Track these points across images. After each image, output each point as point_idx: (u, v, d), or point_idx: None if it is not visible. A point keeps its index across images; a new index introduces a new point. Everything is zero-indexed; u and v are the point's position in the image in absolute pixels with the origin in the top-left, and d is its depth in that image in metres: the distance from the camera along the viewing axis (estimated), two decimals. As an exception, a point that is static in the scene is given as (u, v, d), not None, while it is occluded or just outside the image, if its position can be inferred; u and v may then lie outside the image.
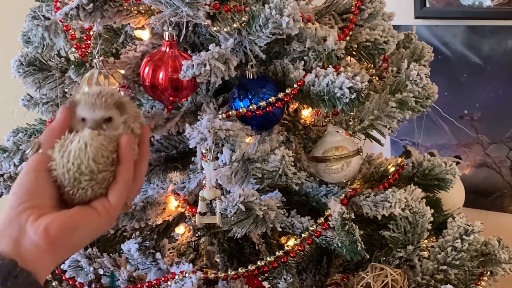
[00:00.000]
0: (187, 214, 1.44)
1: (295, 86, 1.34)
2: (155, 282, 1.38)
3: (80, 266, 1.48)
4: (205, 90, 1.46)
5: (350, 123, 1.46)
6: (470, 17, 2.37)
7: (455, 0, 2.36)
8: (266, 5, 1.28)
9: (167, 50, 1.35)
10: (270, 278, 1.46)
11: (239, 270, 1.40)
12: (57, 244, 0.82)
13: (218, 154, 1.33)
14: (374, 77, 1.53)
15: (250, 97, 1.36)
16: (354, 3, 1.49)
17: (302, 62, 1.36)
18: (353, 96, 1.26)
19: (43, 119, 1.67)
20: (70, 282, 1.47)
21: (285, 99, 1.35)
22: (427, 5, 2.43)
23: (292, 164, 1.31)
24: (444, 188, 1.57)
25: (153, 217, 1.44)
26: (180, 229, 1.56)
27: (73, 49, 1.45)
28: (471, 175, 2.48)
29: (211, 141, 1.27)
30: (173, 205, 1.46)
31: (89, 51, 1.42)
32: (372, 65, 1.54)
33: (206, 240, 1.59)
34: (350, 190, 1.43)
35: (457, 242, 1.40)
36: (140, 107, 1.54)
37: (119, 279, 1.47)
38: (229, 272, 1.40)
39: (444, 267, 1.41)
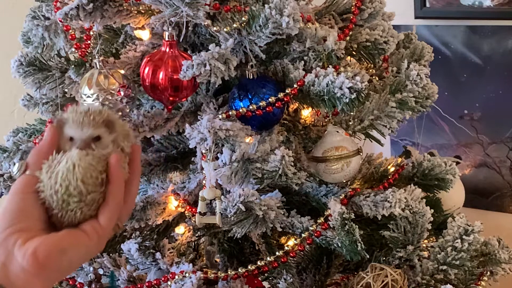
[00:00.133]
0: (187, 214, 1.44)
1: (295, 86, 1.34)
2: (155, 282, 1.38)
3: (80, 266, 1.47)
4: (205, 90, 1.46)
5: (350, 123, 1.46)
6: (470, 17, 2.37)
7: (455, 0, 2.36)
8: (266, 5, 1.28)
9: (167, 50, 1.35)
10: (270, 278, 1.46)
11: (239, 270, 1.40)
12: (45, 268, 0.79)
13: (218, 154, 1.33)
14: (374, 77, 1.53)
15: (250, 97, 1.36)
16: (354, 3, 1.49)
17: (302, 62, 1.36)
18: (353, 96, 1.26)
19: (43, 119, 1.67)
20: (70, 282, 1.47)
21: (285, 99, 1.35)
22: (427, 5, 2.43)
23: (292, 164, 1.31)
24: (444, 188, 1.57)
25: (153, 217, 1.44)
26: (180, 229, 1.56)
27: (73, 49, 1.45)
28: (471, 175, 2.48)
29: (211, 141, 1.27)
30: (173, 205, 1.46)
31: (89, 51, 1.42)
32: (372, 65, 1.54)
33: (206, 240, 1.59)
34: (350, 190, 1.43)
35: (457, 242, 1.40)
36: (140, 107, 1.54)
37: (119, 279, 1.47)
38: (229, 272, 1.40)
39: (444, 267, 1.41)
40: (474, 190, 2.46)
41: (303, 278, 1.51)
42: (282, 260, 1.41)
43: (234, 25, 1.31)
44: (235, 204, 1.31)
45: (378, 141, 1.59)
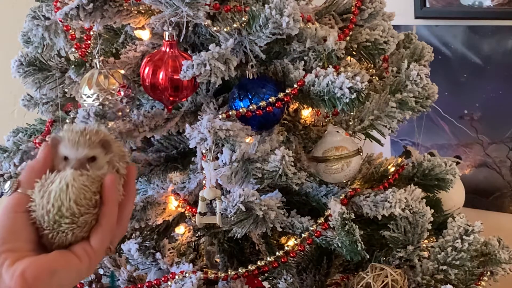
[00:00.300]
0: (187, 214, 1.44)
1: (295, 86, 1.34)
2: (155, 282, 1.38)
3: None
4: (205, 90, 1.46)
5: (350, 123, 1.46)
6: (470, 17, 2.37)
7: (455, 0, 2.36)
8: (266, 5, 1.28)
9: (167, 50, 1.35)
10: (270, 278, 1.46)
11: (239, 270, 1.40)
12: None
13: (218, 154, 1.33)
14: (374, 77, 1.53)
15: (250, 97, 1.36)
16: (354, 3, 1.49)
17: (302, 62, 1.36)
18: (353, 96, 1.26)
19: (43, 119, 1.67)
20: (70, 282, 1.46)
21: (285, 99, 1.35)
22: (427, 5, 2.43)
23: (292, 164, 1.31)
24: (444, 188, 1.56)
25: (153, 217, 1.44)
26: (180, 229, 1.56)
27: (73, 49, 1.45)
28: (471, 175, 2.48)
29: (211, 141, 1.27)
30: (173, 205, 1.46)
31: (89, 51, 1.42)
32: (372, 65, 1.54)
33: (206, 240, 1.59)
34: (350, 190, 1.43)
35: (457, 242, 1.40)
36: (140, 107, 1.54)
37: (119, 279, 1.47)
38: (229, 272, 1.40)
39: (444, 267, 1.41)
40: (474, 190, 2.46)
41: (303, 278, 1.51)
42: (282, 260, 1.41)
43: (234, 25, 1.31)
44: (235, 204, 1.31)
45: (378, 141, 1.59)
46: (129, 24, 1.39)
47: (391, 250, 1.44)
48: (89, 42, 1.42)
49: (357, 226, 1.34)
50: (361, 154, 1.44)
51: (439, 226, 1.52)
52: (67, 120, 1.55)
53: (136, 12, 1.35)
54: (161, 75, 1.34)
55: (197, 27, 1.40)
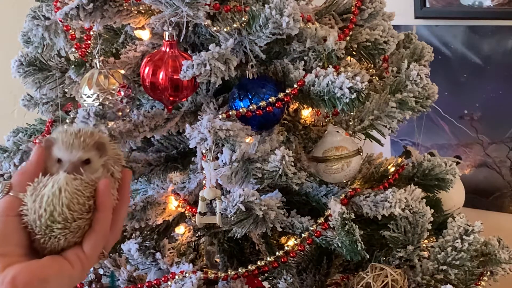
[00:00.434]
0: (187, 214, 1.44)
1: (295, 86, 1.34)
2: (155, 282, 1.38)
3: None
4: (205, 90, 1.46)
5: (350, 123, 1.46)
6: (470, 17, 2.37)
7: (455, 0, 2.36)
8: (266, 5, 1.28)
9: (167, 50, 1.35)
10: (270, 278, 1.46)
11: (239, 270, 1.40)
12: None
13: (218, 154, 1.33)
14: (374, 77, 1.53)
15: (250, 97, 1.36)
16: (354, 3, 1.49)
17: (302, 62, 1.36)
18: (353, 96, 1.26)
19: (43, 119, 1.67)
20: (70, 282, 1.46)
21: (285, 99, 1.35)
22: (427, 5, 2.43)
23: (292, 164, 1.31)
24: (444, 188, 1.56)
25: (153, 217, 1.44)
26: (180, 229, 1.56)
27: (73, 49, 1.45)
28: (471, 175, 2.48)
29: (211, 141, 1.27)
30: (173, 205, 1.46)
31: (89, 51, 1.42)
32: (372, 65, 1.54)
33: (206, 240, 1.59)
34: (350, 190, 1.43)
35: (457, 242, 1.40)
36: (140, 107, 1.54)
37: (119, 279, 1.47)
38: (229, 272, 1.40)
39: (444, 267, 1.41)
40: (474, 190, 2.46)
41: (303, 278, 1.51)
42: (282, 260, 1.41)
43: (234, 25, 1.31)
44: (235, 204, 1.31)
45: (378, 141, 1.59)
46: (129, 24, 1.39)
47: (391, 250, 1.44)
48: (89, 42, 1.42)
49: (357, 226, 1.34)
50: (361, 154, 1.44)
51: (439, 226, 1.52)
52: (67, 120, 1.55)
53: (136, 12, 1.35)
54: (161, 75, 1.34)
55: (197, 27, 1.40)
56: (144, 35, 1.42)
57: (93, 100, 1.35)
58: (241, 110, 1.35)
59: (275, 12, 1.26)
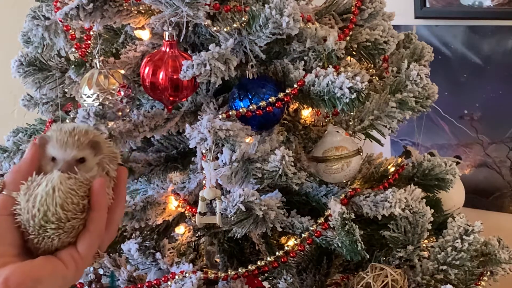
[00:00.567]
0: (187, 214, 1.44)
1: (295, 86, 1.34)
2: (155, 282, 1.38)
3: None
4: (205, 90, 1.46)
5: (350, 123, 1.46)
6: (470, 17, 2.37)
7: (455, 0, 2.36)
8: (266, 5, 1.28)
9: (167, 50, 1.35)
10: (270, 278, 1.46)
11: (239, 270, 1.40)
12: None
13: (218, 154, 1.33)
14: (374, 77, 1.53)
15: (250, 97, 1.36)
16: (354, 3, 1.49)
17: (302, 62, 1.36)
18: (353, 96, 1.26)
19: (43, 119, 1.67)
20: (70, 282, 1.46)
21: (285, 99, 1.35)
22: (427, 5, 2.43)
23: (292, 164, 1.31)
24: (444, 188, 1.57)
25: (153, 217, 1.44)
26: (180, 229, 1.56)
27: (73, 49, 1.45)
28: (471, 175, 2.48)
29: (211, 141, 1.27)
30: (173, 205, 1.46)
31: (89, 51, 1.42)
32: (372, 65, 1.54)
33: (206, 240, 1.59)
34: (350, 190, 1.43)
35: (457, 242, 1.40)
36: (140, 107, 1.54)
37: (119, 279, 1.47)
38: (229, 272, 1.40)
39: (444, 267, 1.41)
40: (474, 190, 2.46)
41: (303, 278, 1.51)
42: (282, 260, 1.41)
43: (234, 25, 1.31)
44: (235, 204, 1.31)
45: (378, 141, 1.59)
46: (129, 24, 1.39)
47: (391, 250, 1.44)
48: (89, 42, 1.42)
49: (357, 226, 1.34)
50: (361, 154, 1.44)
51: (439, 226, 1.52)
52: (67, 120, 1.55)
53: (136, 12, 1.35)
54: (161, 75, 1.34)
55: (197, 27, 1.40)
56: (144, 35, 1.42)
57: (93, 100, 1.35)
58: (241, 110, 1.35)
59: (275, 12, 1.26)
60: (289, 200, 1.43)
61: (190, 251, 1.55)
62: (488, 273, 1.48)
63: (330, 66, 1.33)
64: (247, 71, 1.38)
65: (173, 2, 1.26)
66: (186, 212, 1.43)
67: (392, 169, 1.55)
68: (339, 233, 1.35)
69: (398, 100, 1.41)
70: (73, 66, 1.45)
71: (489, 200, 2.48)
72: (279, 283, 1.41)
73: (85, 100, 1.36)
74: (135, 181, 1.58)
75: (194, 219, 1.39)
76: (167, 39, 1.35)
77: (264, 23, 1.28)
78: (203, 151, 1.33)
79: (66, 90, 1.52)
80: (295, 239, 1.42)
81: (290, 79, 1.36)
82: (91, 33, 1.41)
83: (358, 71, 1.31)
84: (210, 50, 1.27)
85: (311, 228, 1.39)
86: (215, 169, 1.31)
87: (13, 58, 1.49)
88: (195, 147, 1.32)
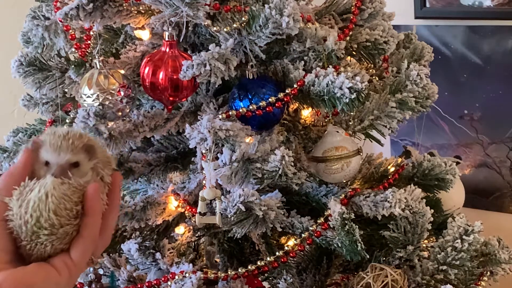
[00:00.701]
0: (187, 214, 1.44)
1: (295, 86, 1.34)
2: (155, 282, 1.38)
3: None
4: (205, 90, 1.46)
5: (350, 123, 1.46)
6: (470, 17, 2.37)
7: (455, 0, 2.36)
8: (266, 5, 1.28)
9: (167, 50, 1.35)
10: (270, 278, 1.46)
11: (239, 270, 1.40)
12: None
13: (218, 154, 1.33)
14: (374, 77, 1.53)
15: (250, 97, 1.36)
16: (354, 3, 1.49)
17: (302, 62, 1.36)
18: (353, 96, 1.26)
19: (43, 119, 1.67)
20: (70, 282, 1.46)
21: (285, 99, 1.35)
22: (427, 5, 2.43)
23: (292, 164, 1.31)
24: (444, 188, 1.56)
25: (153, 217, 1.44)
26: (180, 229, 1.56)
27: (73, 49, 1.45)
28: (471, 175, 2.48)
29: (211, 141, 1.27)
30: (173, 205, 1.46)
31: (89, 51, 1.42)
32: (372, 65, 1.54)
33: (206, 240, 1.59)
34: (350, 190, 1.43)
35: (457, 242, 1.40)
36: (140, 107, 1.54)
37: (119, 279, 1.47)
38: (229, 272, 1.40)
39: (444, 267, 1.41)
40: (474, 190, 2.46)
41: (303, 278, 1.51)
42: (282, 260, 1.41)
43: (234, 25, 1.31)
44: (235, 204, 1.31)
45: (378, 141, 1.59)
46: (129, 24, 1.39)
47: (391, 250, 1.44)
48: (89, 42, 1.42)
49: (357, 226, 1.34)
50: (361, 154, 1.44)
51: (439, 226, 1.52)
52: (67, 120, 1.56)
53: (136, 12, 1.35)
54: (161, 75, 1.34)
55: (197, 27, 1.40)
56: (144, 35, 1.42)
57: (93, 100, 1.35)
58: (241, 110, 1.35)
59: (275, 12, 1.26)
60: (289, 200, 1.43)
61: (190, 251, 1.55)
62: (488, 273, 1.48)
63: (330, 66, 1.33)
64: (247, 71, 1.38)
65: (173, 2, 1.26)
66: (186, 212, 1.43)
67: (392, 169, 1.55)
68: (339, 233, 1.35)
69: (398, 100, 1.41)
70: (73, 66, 1.45)
71: (489, 200, 2.48)
72: (279, 283, 1.41)
73: (85, 100, 1.36)
74: (135, 181, 1.58)
75: (194, 219, 1.39)
76: (167, 39, 1.35)
77: (264, 23, 1.28)
78: (203, 151, 1.33)
79: (66, 90, 1.52)
80: (295, 239, 1.42)
81: (290, 79, 1.36)
82: (91, 33, 1.41)
83: (358, 71, 1.31)
84: (210, 50, 1.27)
85: (311, 228, 1.39)
86: (215, 169, 1.31)
87: (13, 58, 1.49)
88: (195, 147, 1.32)
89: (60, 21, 1.33)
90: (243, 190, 1.32)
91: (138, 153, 1.55)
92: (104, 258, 1.48)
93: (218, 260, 1.58)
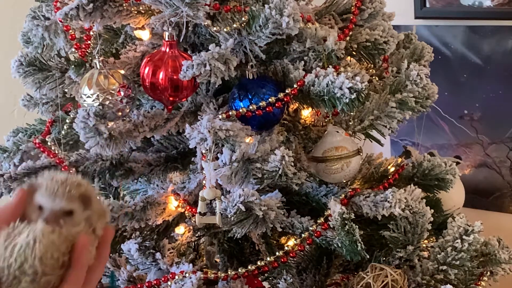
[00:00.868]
0: (187, 214, 1.44)
1: (295, 86, 1.34)
2: (155, 282, 1.38)
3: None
4: (205, 90, 1.46)
5: (350, 123, 1.46)
6: (470, 17, 2.37)
7: (455, 0, 2.36)
8: (266, 5, 1.28)
9: (167, 50, 1.35)
10: (270, 278, 1.46)
11: (239, 270, 1.40)
12: None
13: (218, 154, 1.33)
14: (374, 77, 1.53)
15: (250, 97, 1.36)
16: (354, 3, 1.49)
17: (302, 62, 1.36)
18: (353, 96, 1.26)
19: (43, 119, 1.67)
20: (70, 282, 1.46)
21: (285, 99, 1.35)
22: (427, 5, 2.43)
23: (292, 164, 1.31)
24: (444, 188, 1.56)
25: (153, 217, 1.44)
26: (180, 229, 1.56)
27: (73, 49, 1.45)
28: (471, 175, 2.48)
29: (211, 141, 1.27)
30: (173, 205, 1.46)
31: (89, 51, 1.42)
32: (372, 65, 1.54)
33: (206, 240, 1.59)
34: (350, 190, 1.43)
35: (457, 242, 1.40)
36: (140, 107, 1.54)
37: (119, 279, 1.47)
38: (229, 272, 1.40)
39: (444, 267, 1.41)
40: (474, 190, 2.46)
41: (303, 278, 1.51)
42: (282, 260, 1.41)
43: (234, 25, 1.31)
44: (235, 204, 1.31)
45: (378, 141, 1.59)
46: (129, 24, 1.39)
47: (391, 250, 1.44)
48: (89, 42, 1.42)
49: (357, 226, 1.34)
50: (361, 154, 1.44)
51: (439, 226, 1.52)
52: (67, 120, 1.56)
53: (136, 12, 1.35)
54: (161, 75, 1.34)
55: (197, 27, 1.40)
56: (144, 35, 1.42)
57: (93, 100, 1.35)
58: (241, 110, 1.35)
59: (275, 12, 1.26)
60: (289, 200, 1.43)
61: (190, 251, 1.55)
62: (488, 273, 1.48)
63: (330, 66, 1.33)
64: (247, 71, 1.38)
65: (173, 2, 1.26)
66: (186, 212, 1.43)
67: (392, 169, 1.55)
68: (339, 233, 1.35)
69: (398, 100, 1.41)
70: (73, 66, 1.45)
71: (489, 200, 2.48)
72: (279, 283, 1.41)
73: (85, 100, 1.36)
74: (135, 181, 1.58)
75: (194, 219, 1.39)
76: (167, 39, 1.35)
77: (264, 23, 1.28)
78: (203, 151, 1.33)
79: (66, 90, 1.52)
80: (295, 239, 1.42)
81: (290, 79, 1.36)
82: (91, 33, 1.41)
83: (358, 71, 1.31)
84: (210, 50, 1.27)
85: (311, 228, 1.39)
86: (215, 169, 1.31)
87: (13, 58, 1.49)
88: (195, 147, 1.32)
89: (60, 21, 1.33)
90: (243, 190, 1.32)
91: (138, 153, 1.55)
92: None
93: (218, 260, 1.58)
